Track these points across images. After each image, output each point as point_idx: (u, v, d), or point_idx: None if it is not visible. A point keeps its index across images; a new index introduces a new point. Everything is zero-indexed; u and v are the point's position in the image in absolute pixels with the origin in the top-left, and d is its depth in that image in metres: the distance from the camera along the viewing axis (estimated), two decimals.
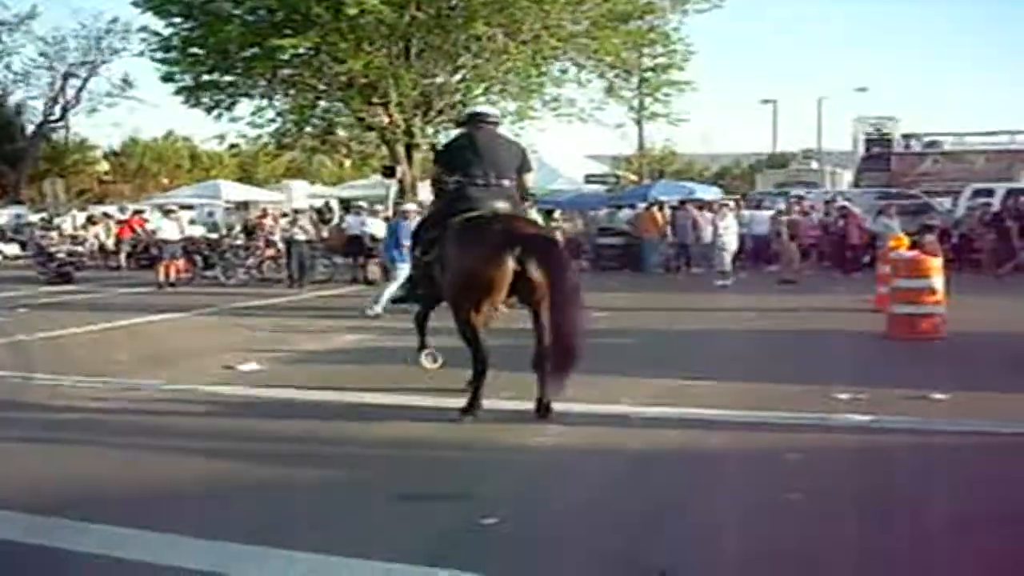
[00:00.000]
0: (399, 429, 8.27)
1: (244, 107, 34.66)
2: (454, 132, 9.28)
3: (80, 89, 58.60)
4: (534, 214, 23.28)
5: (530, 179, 9.46)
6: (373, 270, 24.45)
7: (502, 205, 8.78)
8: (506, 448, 7.62)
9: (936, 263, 13.63)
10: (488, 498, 6.25)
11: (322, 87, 33.30)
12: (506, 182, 8.97)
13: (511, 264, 8.03)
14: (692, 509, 6.12)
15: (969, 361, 11.09)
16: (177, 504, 6.32)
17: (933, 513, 5.80)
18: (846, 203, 27.33)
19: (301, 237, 24.87)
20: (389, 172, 20.22)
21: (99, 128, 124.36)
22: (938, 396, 8.91)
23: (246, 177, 58.34)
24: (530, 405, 8.31)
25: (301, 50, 31.06)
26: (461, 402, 8.48)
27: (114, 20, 56.55)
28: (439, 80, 33.21)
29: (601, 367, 9.10)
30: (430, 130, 33.18)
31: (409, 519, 5.95)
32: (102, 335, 15.51)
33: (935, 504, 5.95)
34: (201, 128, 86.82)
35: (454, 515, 5.95)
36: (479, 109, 10.22)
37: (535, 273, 8.01)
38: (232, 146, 40.50)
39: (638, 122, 40.15)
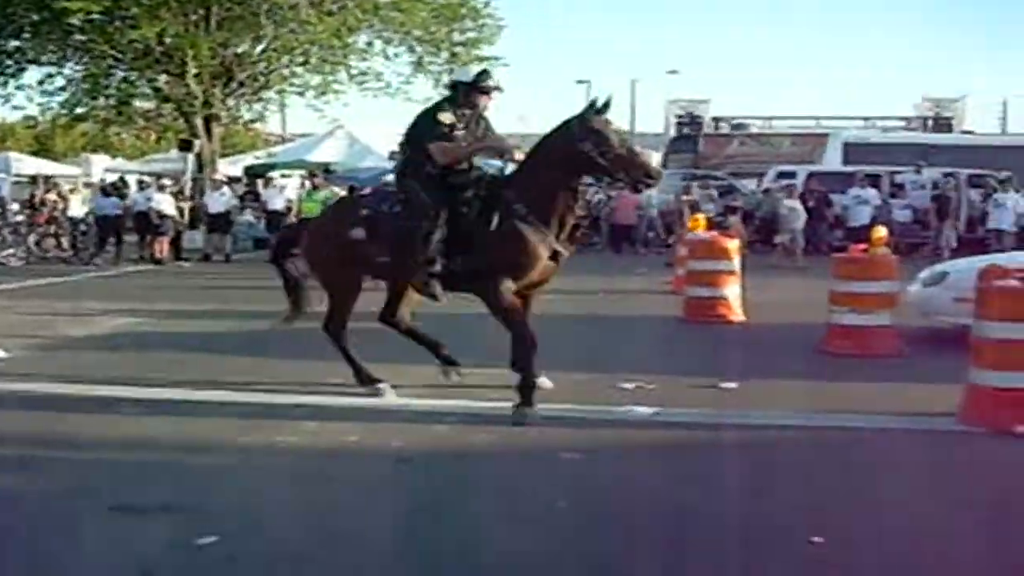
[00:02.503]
0: (134, 428, 7.37)
1: (33, 74, 32.51)
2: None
3: None
4: (336, 190, 22.59)
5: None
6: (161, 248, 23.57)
7: None
8: (248, 449, 6.80)
9: (732, 244, 13.27)
10: (213, 511, 5.47)
11: (116, 55, 31.38)
12: None
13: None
14: (448, 520, 5.41)
15: (763, 347, 10.70)
16: None
17: (692, 521, 5.29)
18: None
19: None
20: (186, 146, 19.16)
21: None
22: (728, 385, 8.52)
23: (43, 150, 55.27)
24: (283, 398, 7.49)
25: (93, 15, 29.12)
26: (213, 395, 8.09)
27: None
28: (240, 50, 31.78)
29: (368, 354, 8.33)
30: (231, 102, 31.83)
31: (116, 537, 5.13)
32: None
33: (696, 511, 5.47)
34: None
35: (170, 531, 5.15)
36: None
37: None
38: (28, 117, 38.06)
39: None
